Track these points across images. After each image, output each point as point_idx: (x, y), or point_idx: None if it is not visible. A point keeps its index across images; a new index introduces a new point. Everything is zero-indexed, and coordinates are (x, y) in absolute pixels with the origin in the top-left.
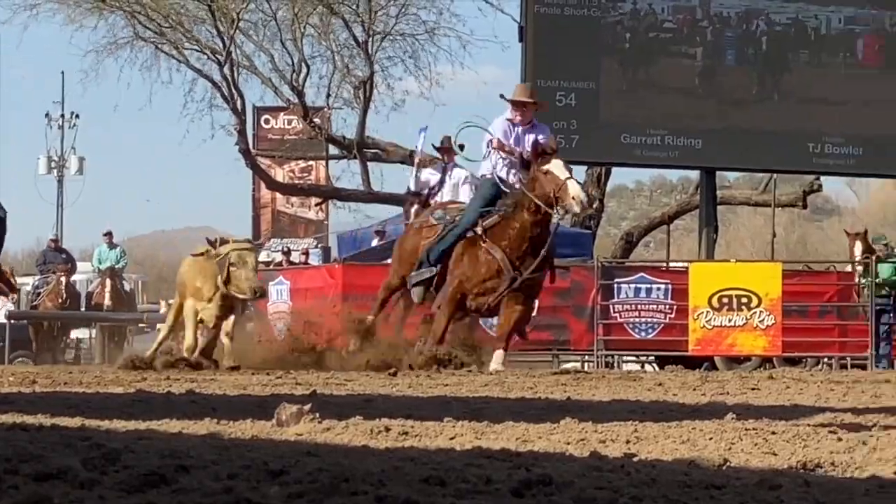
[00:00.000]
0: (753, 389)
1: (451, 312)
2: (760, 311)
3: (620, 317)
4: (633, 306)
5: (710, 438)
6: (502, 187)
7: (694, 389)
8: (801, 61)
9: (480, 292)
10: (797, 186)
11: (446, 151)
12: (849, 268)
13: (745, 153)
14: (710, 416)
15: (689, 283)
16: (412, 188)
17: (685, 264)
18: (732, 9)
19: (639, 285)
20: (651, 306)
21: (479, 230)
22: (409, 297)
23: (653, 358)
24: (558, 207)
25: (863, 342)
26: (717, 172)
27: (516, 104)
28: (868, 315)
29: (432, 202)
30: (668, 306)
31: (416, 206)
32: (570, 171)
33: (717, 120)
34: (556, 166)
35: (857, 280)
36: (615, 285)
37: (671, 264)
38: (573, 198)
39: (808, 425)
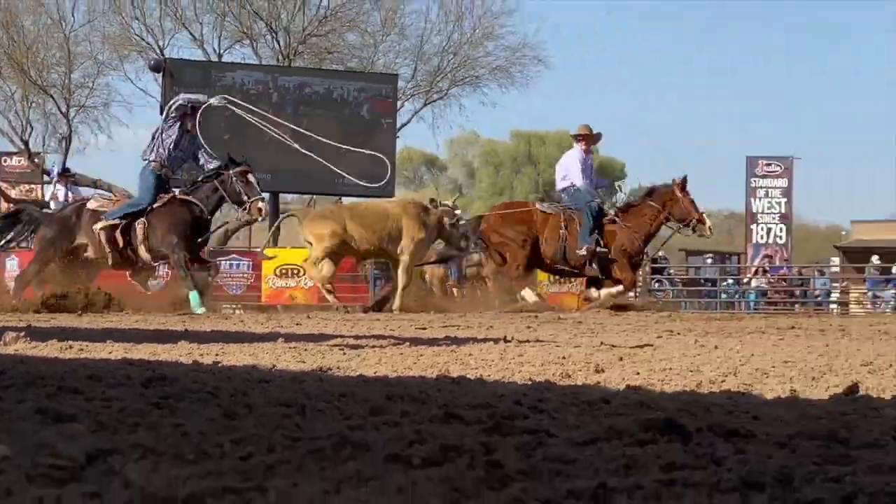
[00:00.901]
0: (298, 324)
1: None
2: (307, 279)
3: (220, 280)
4: (228, 274)
5: (267, 353)
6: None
7: (262, 324)
8: (331, 117)
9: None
10: (332, 202)
11: (66, 178)
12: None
13: (298, 181)
14: (269, 339)
15: (263, 261)
16: (47, 198)
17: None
18: (291, 81)
19: (231, 261)
20: (238, 274)
21: (615, 217)
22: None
23: (240, 305)
24: (693, 228)
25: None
26: (280, 194)
27: (584, 137)
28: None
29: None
30: (249, 275)
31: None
32: None
33: (281, 159)
34: (694, 199)
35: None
36: (218, 262)
37: (253, 249)
38: (709, 228)
39: (327, 345)
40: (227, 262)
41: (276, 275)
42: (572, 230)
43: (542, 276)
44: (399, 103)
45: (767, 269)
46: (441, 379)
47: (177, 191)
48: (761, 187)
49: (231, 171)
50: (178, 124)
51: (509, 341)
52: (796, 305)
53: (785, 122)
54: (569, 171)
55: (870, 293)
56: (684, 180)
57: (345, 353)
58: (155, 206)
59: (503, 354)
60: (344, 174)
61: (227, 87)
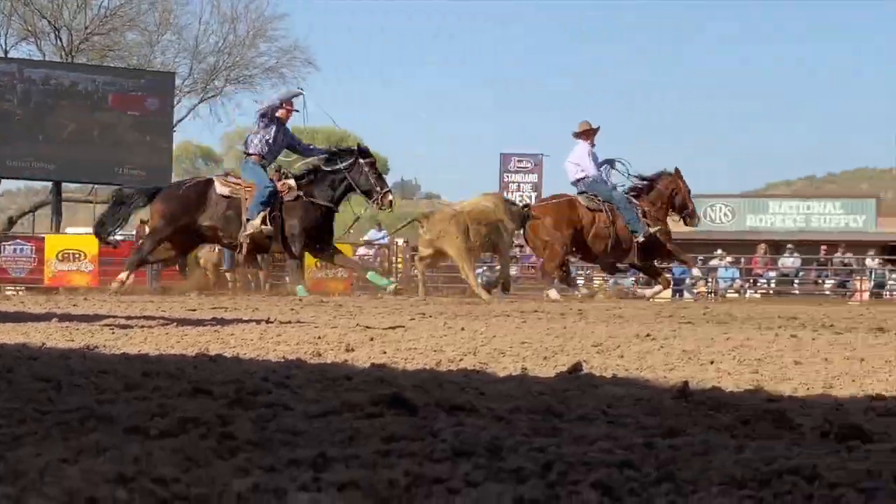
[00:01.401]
0: (74, 306)
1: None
2: (87, 262)
3: (4, 263)
4: (13, 259)
5: (40, 332)
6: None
7: (41, 305)
8: (93, 109)
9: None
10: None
11: None
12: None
13: (75, 171)
14: (45, 319)
15: (46, 246)
16: None
17: (43, 234)
18: (35, 73)
19: (15, 246)
20: (22, 258)
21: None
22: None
23: (23, 287)
24: (686, 217)
25: None
26: (63, 183)
27: (589, 132)
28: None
29: None
30: (32, 259)
31: None
32: None
33: (57, 150)
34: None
35: None
36: (2, 246)
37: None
38: (698, 218)
39: (98, 325)
40: (12, 246)
41: (58, 259)
42: (619, 224)
43: (309, 262)
44: (176, 100)
45: (518, 257)
46: (199, 357)
47: (292, 181)
48: (514, 182)
49: (363, 162)
50: (275, 124)
51: (271, 322)
52: (544, 292)
53: (536, 121)
54: (581, 163)
55: (611, 280)
56: (678, 171)
57: (114, 333)
58: (286, 199)
59: (263, 334)
60: (124, 165)
61: None
